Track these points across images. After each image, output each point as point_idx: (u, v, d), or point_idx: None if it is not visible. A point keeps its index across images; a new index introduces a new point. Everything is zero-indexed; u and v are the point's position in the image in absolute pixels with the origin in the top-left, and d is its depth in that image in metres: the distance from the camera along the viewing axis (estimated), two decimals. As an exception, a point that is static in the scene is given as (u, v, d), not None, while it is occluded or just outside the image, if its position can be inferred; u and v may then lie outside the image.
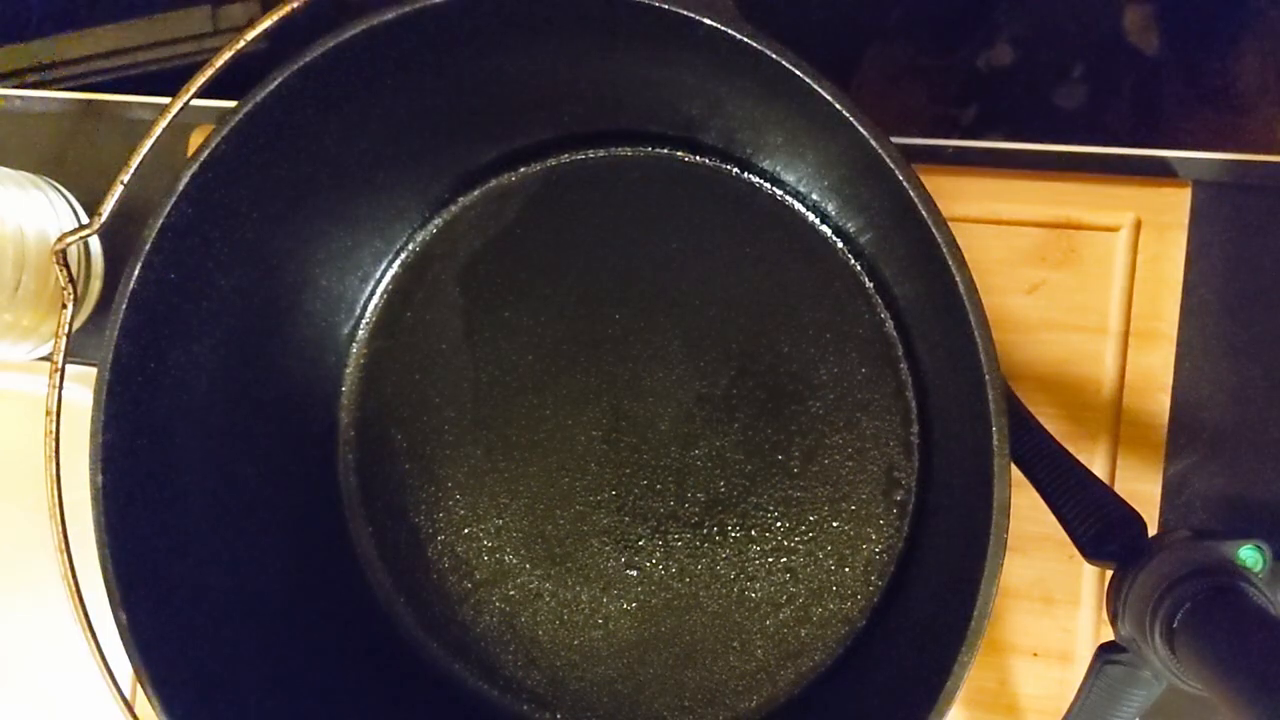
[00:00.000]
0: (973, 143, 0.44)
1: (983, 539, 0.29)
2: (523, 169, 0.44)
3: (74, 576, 0.36)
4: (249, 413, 0.41)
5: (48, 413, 0.36)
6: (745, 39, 0.30)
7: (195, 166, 0.34)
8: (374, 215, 0.43)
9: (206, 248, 0.37)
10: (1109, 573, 0.34)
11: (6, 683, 0.52)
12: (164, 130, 0.35)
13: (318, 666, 0.41)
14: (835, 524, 0.42)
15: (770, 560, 0.42)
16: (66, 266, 0.37)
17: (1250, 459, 0.42)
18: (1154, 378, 0.42)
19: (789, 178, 0.41)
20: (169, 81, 0.49)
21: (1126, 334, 0.42)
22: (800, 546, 0.42)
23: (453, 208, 0.45)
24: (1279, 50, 0.42)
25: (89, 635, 0.36)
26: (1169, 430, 0.42)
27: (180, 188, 0.34)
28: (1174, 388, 0.42)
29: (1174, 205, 0.42)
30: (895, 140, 0.30)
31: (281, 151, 0.36)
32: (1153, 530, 0.38)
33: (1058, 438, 0.37)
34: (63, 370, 0.37)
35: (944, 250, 0.29)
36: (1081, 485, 0.35)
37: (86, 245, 0.50)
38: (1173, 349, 0.42)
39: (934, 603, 0.36)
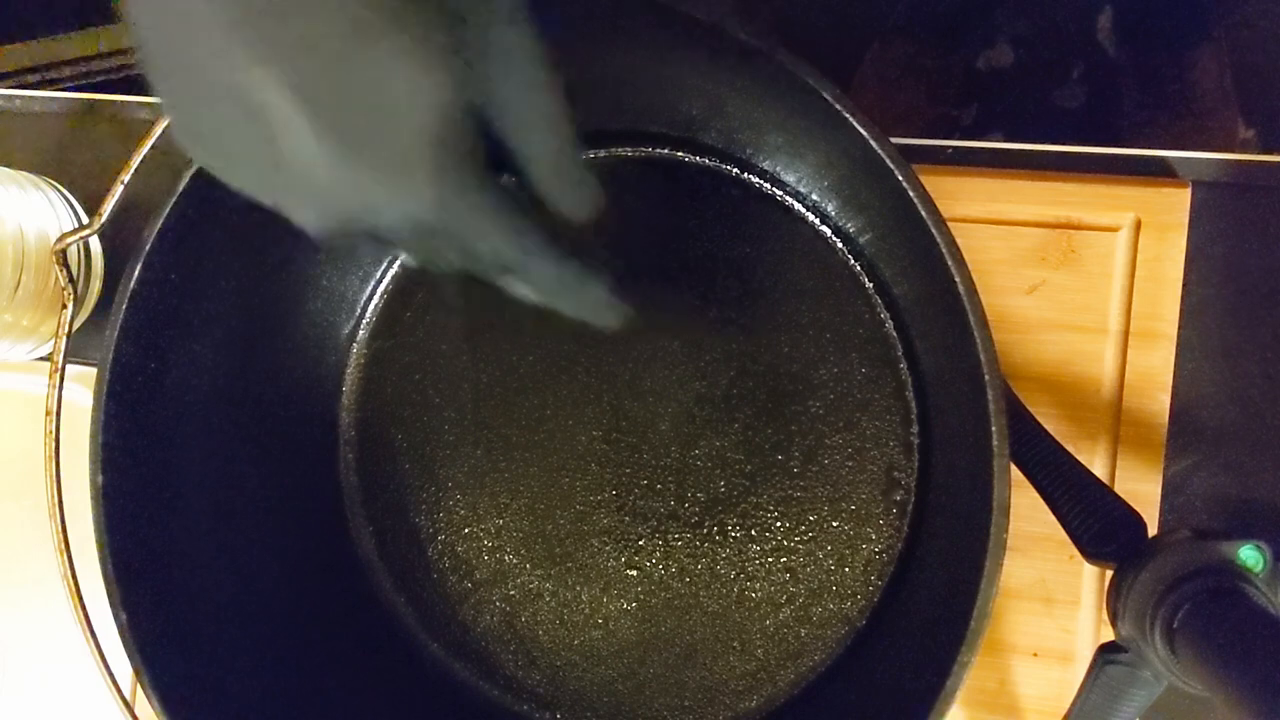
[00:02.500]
0: (973, 143, 0.44)
1: (983, 539, 0.29)
2: (523, 169, 0.44)
3: (74, 576, 0.36)
4: (249, 413, 0.41)
5: (48, 413, 0.36)
6: (745, 39, 0.30)
7: (195, 166, 0.34)
8: (374, 215, 0.43)
9: (206, 248, 0.37)
10: (1109, 573, 0.34)
11: (7, 681, 0.52)
12: (164, 130, 0.35)
13: (318, 666, 0.41)
14: (835, 524, 0.42)
15: (770, 560, 0.42)
16: (66, 266, 0.37)
17: (1250, 459, 0.42)
18: (1154, 378, 0.42)
19: (789, 178, 0.41)
20: (169, 81, 0.49)
21: (1126, 334, 0.42)
22: (800, 546, 0.42)
23: (453, 208, 0.45)
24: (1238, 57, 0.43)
25: (89, 635, 0.36)
26: (1169, 430, 0.42)
27: (180, 188, 0.34)
28: (1174, 388, 0.42)
29: (1174, 205, 0.42)
30: (895, 140, 0.30)
31: (281, 151, 0.36)
32: (1153, 530, 0.38)
33: (1058, 438, 0.37)
34: (63, 370, 0.37)
35: (943, 250, 0.29)
36: (1081, 485, 0.35)
37: (86, 245, 0.50)
38: (1173, 349, 0.42)
39: (934, 603, 0.36)
